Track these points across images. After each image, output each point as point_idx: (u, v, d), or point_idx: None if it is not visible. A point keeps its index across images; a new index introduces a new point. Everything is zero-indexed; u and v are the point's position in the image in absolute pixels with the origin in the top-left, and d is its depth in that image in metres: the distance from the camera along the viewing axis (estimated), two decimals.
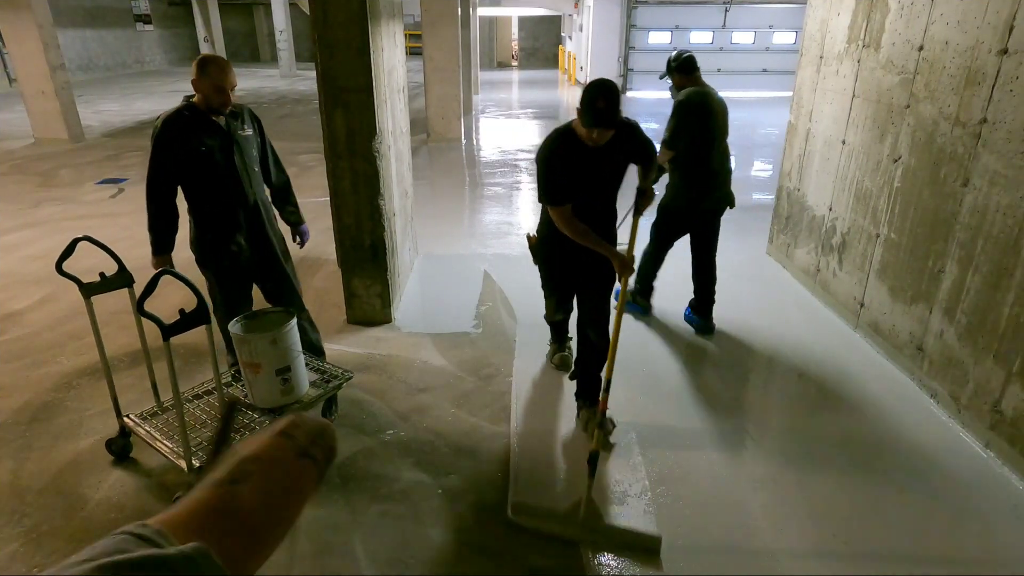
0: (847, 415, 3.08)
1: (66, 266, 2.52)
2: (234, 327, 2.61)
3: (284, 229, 3.13)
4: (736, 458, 2.79)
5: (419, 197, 5.93)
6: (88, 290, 2.44)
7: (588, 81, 2.50)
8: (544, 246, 2.91)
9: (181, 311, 2.23)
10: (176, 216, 2.82)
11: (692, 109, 3.53)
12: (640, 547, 2.26)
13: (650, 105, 14.36)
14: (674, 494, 2.55)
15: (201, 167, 2.72)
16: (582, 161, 2.58)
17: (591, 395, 2.94)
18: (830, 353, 3.64)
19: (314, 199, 6.75)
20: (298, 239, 3.21)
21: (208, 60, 2.68)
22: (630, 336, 3.83)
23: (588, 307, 2.89)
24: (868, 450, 2.83)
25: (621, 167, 2.70)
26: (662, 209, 3.76)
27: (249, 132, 2.85)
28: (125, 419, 2.69)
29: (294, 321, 2.66)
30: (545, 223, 2.82)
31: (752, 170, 8.53)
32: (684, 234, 3.81)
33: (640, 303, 4.06)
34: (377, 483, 2.60)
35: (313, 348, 3.16)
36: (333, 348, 3.66)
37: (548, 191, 2.64)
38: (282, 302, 2.99)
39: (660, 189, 3.63)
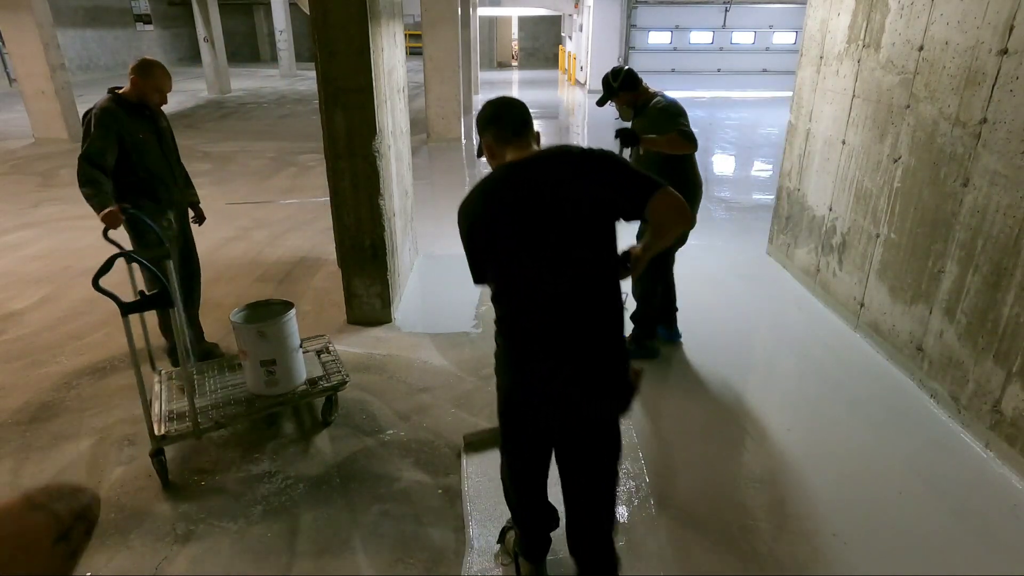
0: (847, 415, 3.08)
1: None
2: (236, 315, 2.76)
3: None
4: (736, 458, 2.79)
5: (419, 197, 5.94)
6: (127, 309, 2.27)
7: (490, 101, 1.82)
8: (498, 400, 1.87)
9: (141, 292, 2.40)
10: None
11: (683, 112, 3.17)
12: None
13: None
14: (674, 493, 2.55)
15: (138, 152, 3.03)
16: (513, 203, 1.66)
17: None
18: (830, 353, 3.64)
19: (314, 199, 6.76)
20: (195, 219, 3.41)
21: (152, 64, 3.06)
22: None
23: (586, 479, 1.82)
24: (868, 450, 2.83)
25: (589, 203, 1.61)
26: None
27: (165, 125, 3.23)
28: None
29: (289, 316, 2.75)
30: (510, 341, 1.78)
31: (752, 170, 8.53)
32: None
33: (649, 346, 3.56)
34: (377, 483, 2.60)
35: (198, 323, 3.45)
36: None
37: (470, 265, 1.85)
38: (192, 284, 3.37)
39: None
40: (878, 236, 3.62)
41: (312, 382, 2.91)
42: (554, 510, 2.07)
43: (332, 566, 2.21)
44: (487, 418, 3.02)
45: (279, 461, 2.73)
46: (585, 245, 1.63)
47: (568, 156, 1.67)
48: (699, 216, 3.41)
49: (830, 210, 4.16)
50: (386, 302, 3.91)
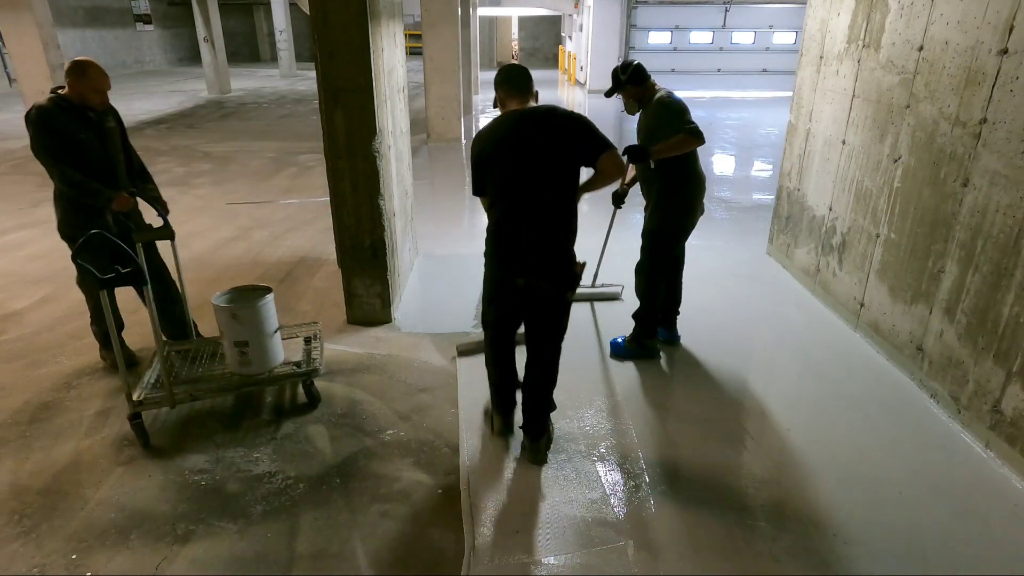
0: (847, 415, 3.08)
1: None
2: (218, 297, 2.94)
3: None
4: (736, 458, 2.79)
5: (419, 197, 5.94)
6: (101, 284, 2.56)
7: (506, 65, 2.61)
8: (488, 281, 2.61)
9: (116, 268, 2.57)
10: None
11: (687, 108, 3.18)
12: None
13: None
14: (674, 494, 2.55)
15: (79, 154, 2.99)
16: (510, 139, 2.39)
17: (538, 431, 2.71)
18: (830, 353, 3.64)
19: (314, 199, 6.76)
20: (160, 212, 3.29)
21: (88, 65, 2.98)
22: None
23: (535, 344, 2.62)
24: (868, 450, 2.83)
25: (560, 148, 2.36)
26: (655, 235, 3.36)
27: (112, 125, 3.16)
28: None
29: (266, 301, 2.92)
30: (489, 264, 2.57)
31: (752, 170, 8.53)
32: (677, 253, 3.56)
33: (649, 346, 3.55)
34: (377, 483, 2.60)
35: (176, 319, 3.39)
36: (333, 348, 3.66)
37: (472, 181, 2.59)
38: (163, 276, 3.33)
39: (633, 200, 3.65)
40: (878, 236, 3.62)
41: (287, 366, 3.04)
42: (517, 376, 2.82)
43: (332, 566, 2.21)
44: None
45: (279, 461, 2.73)
46: (555, 176, 2.41)
47: (553, 113, 2.42)
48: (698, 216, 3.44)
49: (830, 210, 4.16)
50: (386, 302, 3.91)
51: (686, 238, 3.52)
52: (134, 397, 2.78)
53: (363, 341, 3.75)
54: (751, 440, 2.91)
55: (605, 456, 2.77)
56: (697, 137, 3.10)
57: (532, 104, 2.50)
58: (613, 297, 4.29)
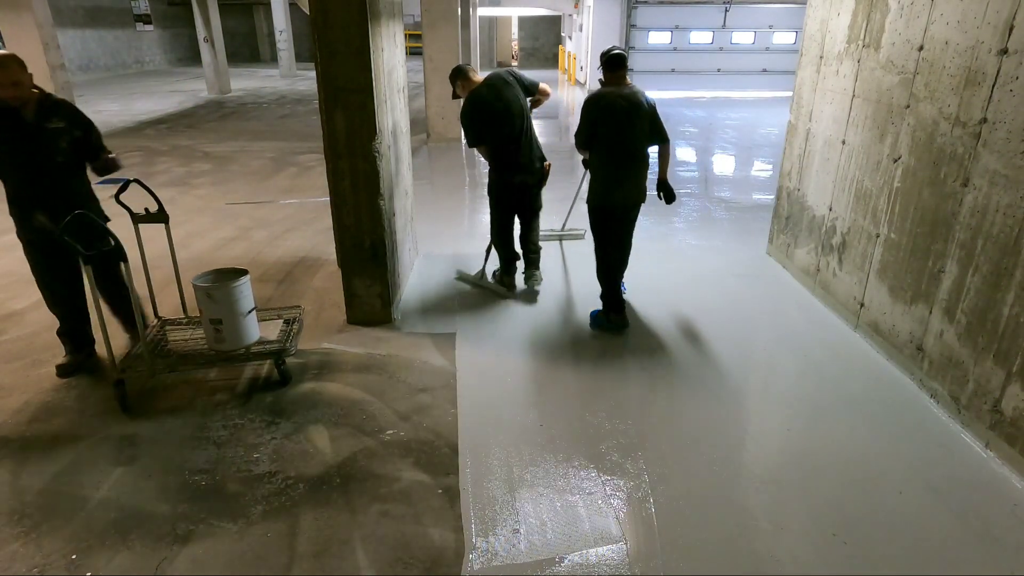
0: (847, 415, 3.08)
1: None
2: (197, 278, 3.15)
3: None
4: (736, 458, 2.79)
5: (419, 197, 5.94)
6: (87, 259, 2.83)
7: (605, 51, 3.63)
8: (492, 185, 4.27)
9: (96, 246, 2.78)
10: None
11: (585, 110, 3.67)
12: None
13: None
14: (674, 494, 2.55)
15: None
16: (498, 105, 3.99)
17: (533, 264, 4.43)
18: (830, 353, 3.64)
19: (314, 199, 6.76)
20: (105, 169, 3.25)
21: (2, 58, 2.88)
22: (629, 336, 3.83)
23: (523, 219, 4.38)
24: (868, 450, 2.83)
25: (521, 101, 4.11)
26: (589, 208, 3.82)
27: (60, 124, 3.04)
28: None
29: (241, 283, 3.11)
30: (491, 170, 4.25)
31: (752, 170, 8.53)
32: (611, 229, 3.81)
33: (614, 320, 3.85)
34: (377, 483, 2.60)
35: (127, 305, 3.31)
36: (333, 348, 3.66)
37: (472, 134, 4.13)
38: (107, 283, 3.29)
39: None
40: (878, 236, 3.62)
41: (260, 345, 3.25)
42: (515, 248, 4.47)
43: (332, 566, 2.21)
44: (491, 415, 3.02)
45: (279, 461, 2.73)
46: (522, 124, 4.11)
47: (512, 77, 4.19)
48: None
49: (830, 210, 4.16)
50: (386, 302, 3.91)
51: (616, 214, 3.79)
52: (118, 366, 3.01)
53: (363, 341, 3.75)
54: (751, 440, 2.91)
55: (605, 456, 2.77)
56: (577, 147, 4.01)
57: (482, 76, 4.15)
58: (577, 237, 5.44)
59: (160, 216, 3.32)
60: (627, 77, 3.70)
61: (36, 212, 3.07)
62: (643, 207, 3.83)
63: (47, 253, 3.19)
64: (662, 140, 3.77)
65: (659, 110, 3.74)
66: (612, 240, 3.81)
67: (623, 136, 3.64)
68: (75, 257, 2.95)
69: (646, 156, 3.76)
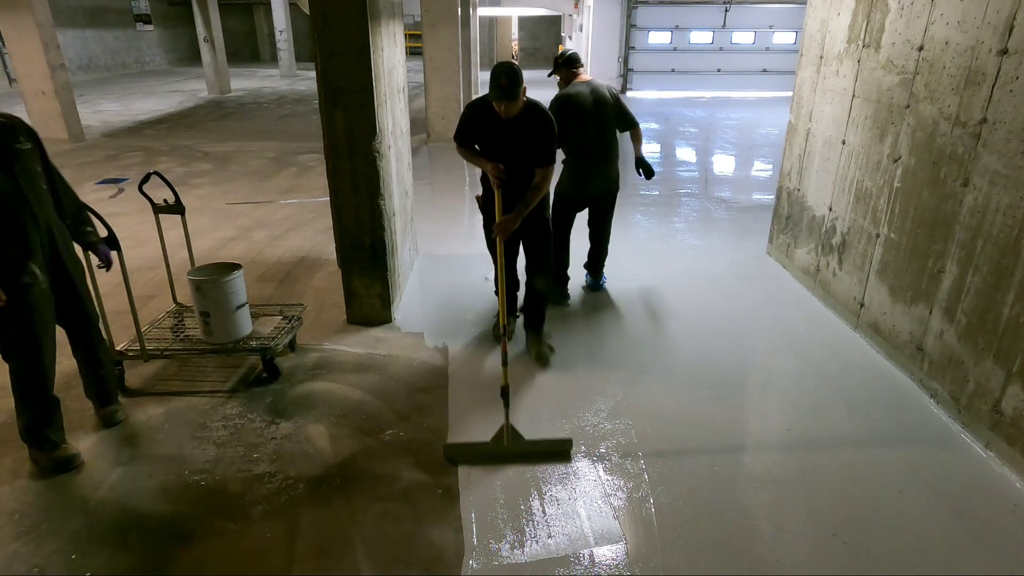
0: (847, 415, 3.08)
1: None
2: (192, 271, 3.23)
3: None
4: (736, 458, 2.79)
5: (419, 197, 5.94)
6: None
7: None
8: (485, 201, 3.46)
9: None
10: None
11: (556, 109, 3.76)
12: (555, 452, 2.76)
13: (651, 105, 14.36)
14: (674, 494, 2.55)
15: None
16: (491, 123, 3.18)
17: (536, 325, 3.59)
18: (830, 353, 3.64)
19: (314, 199, 6.76)
20: (101, 263, 2.82)
21: None
22: (629, 336, 3.83)
23: (527, 254, 3.50)
24: (868, 450, 2.83)
25: (524, 145, 3.16)
26: (555, 195, 3.95)
27: (28, 146, 2.45)
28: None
29: (230, 278, 3.17)
30: (483, 188, 3.49)
31: (752, 170, 8.53)
32: (573, 216, 4.08)
33: (557, 291, 4.16)
34: (377, 483, 2.60)
35: (104, 384, 2.95)
36: (333, 348, 3.66)
37: (458, 131, 3.35)
38: (81, 340, 2.81)
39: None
40: (878, 236, 3.62)
41: (250, 340, 3.31)
42: (518, 280, 3.74)
43: (332, 566, 2.21)
44: (483, 418, 3.03)
45: (279, 461, 2.73)
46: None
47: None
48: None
49: (830, 210, 4.16)
50: (386, 302, 3.91)
51: (580, 205, 4.08)
52: (116, 347, 3.15)
53: (363, 341, 3.75)
54: (751, 440, 2.91)
55: (605, 456, 2.77)
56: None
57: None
58: None
59: (177, 208, 3.44)
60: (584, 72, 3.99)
61: (31, 262, 2.46)
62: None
63: (34, 317, 2.52)
64: (632, 125, 4.00)
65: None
66: (570, 225, 4.10)
67: (595, 129, 3.85)
68: (50, 319, 2.58)
69: (617, 145, 3.99)
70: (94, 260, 2.86)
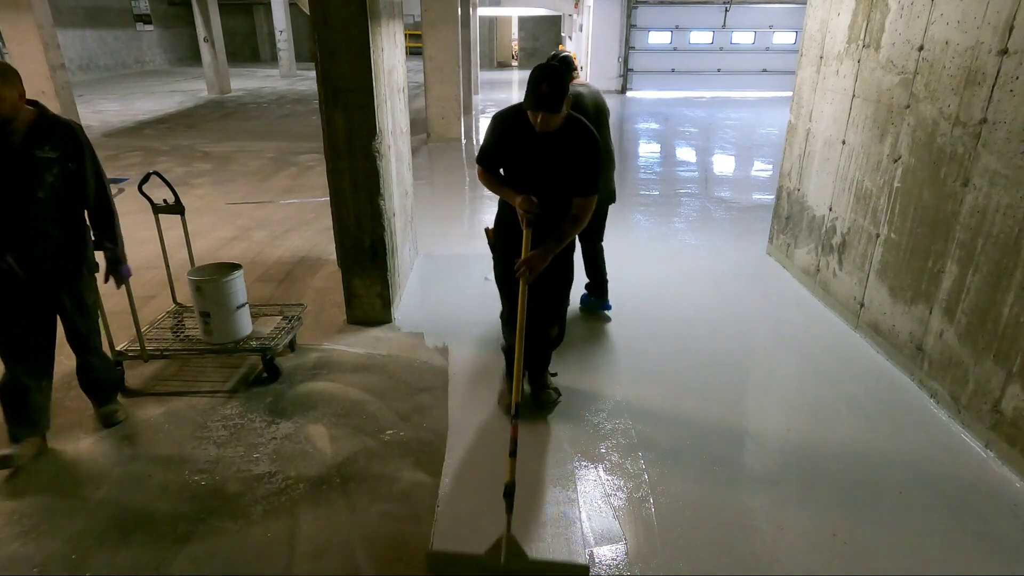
0: (847, 415, 3.08)
1: None
2: (192, 272, 3.25)
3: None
4: (736, 458, 2.79)
5: (419, 197, 5.94)
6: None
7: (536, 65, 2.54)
8: (497, 234, 2.88)
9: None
10: None
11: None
12: None
13: (650, 105, 14.37)
14: (674, 494, 2.55)
15: None
16: (524, 139, 2.60)
17: (539, 370, 3.13)
18: (830, 353, 3.64)
19: (314, 199, 6.76)
20: (112, 279, 2.78)
21: None
22: (629, 336, 3.83)
23: (545, 301, 2.87)
24: (868, 450, 2.83)
25: (560, 167, 2.61)
26: None
27: (52, 155, 2.47)
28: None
29: (231, 278, 3.18)
30: (499, 212, 2.90)
31: (752, 170, 8.53)
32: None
33: (600, 304, 4.09)
34: (377, 483, 2.60)
35: (101, 384, 2.96)
36: (333, 348, 3.66)
37: (482, 152, 2.78)
38: (75, 342, 2.81)
39: None
40: (878, 236, 3.62)
41: (250, 340, 3.31)
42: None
43: (332, 566, 2.21)
44: (483, 418, 3.02)
45: (279, 461, 2.73)
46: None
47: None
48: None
49: (830, 210, 4.16)
50: (386, 302, 3.91)
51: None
52: (116, 347, 3.17)
53: (363, 341, 3.75)
54: (751, 440, 2.91)
55: (605, 456, 2.77)
56: None
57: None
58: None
59: (177, 208, 3.44)
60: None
61: (7, 255, 2.49)
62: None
63: (10, 307, 2.58)
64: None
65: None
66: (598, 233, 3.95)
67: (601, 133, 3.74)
68: (27, 312, 2.61)
69: (613, 152, 3.89)
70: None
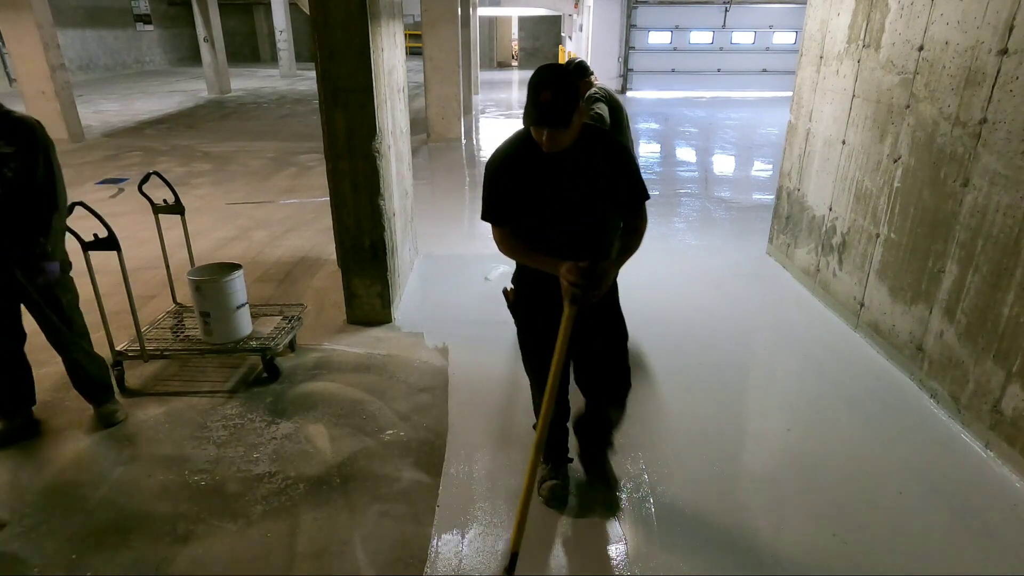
0: (847, 415, 3.08)
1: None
2: (192, 271, 3.28)
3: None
4: (736, 458, 2.79)
5: (419, 197, 5.94)
6: (86, 246, 2.90)
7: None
8: (519, 301, 2.30)
9: (95, 235, 2.79)
10: None
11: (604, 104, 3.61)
12: None
13: (650, 105, 14.37)
14: (674, 494, 2.55)
15: None
16: (534, 174, 2.03)
17: (616, 399, 2.52)
18: (830, 353, 3.64)
19: (314, 199, 6.76)
20: (35, 276, 2.68)
21: None
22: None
23: (594, 363, 2.40)
24: (868, 450, 2.83)
25: (596, 187, 2.05)
26: None
27: (7, 151, 2.48)
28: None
29: (230, 278, 3.18)
30: (517, 272, 2.31)
31: (752, 170, 8.53)
32: None
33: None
34: (377, 483, 2.60)
35: (92, 383, 2.96)
36: (333, 348, 3.66)
37: (485, 205, 2.14)
38: (51, 337, 2.83)
39: None
40: (878, 236, 3.62)
41: (250, 340, 3.31)
42: (568, 405, 2.50)
43: (332, 566, 2.21)
44: (483, 419, 3.02)
45: (279, 461, 2.73)
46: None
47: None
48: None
49: (830, 210, 4.16)
50: (386, 302, 3.91)
51: None
52: (116, 347, 3.16)
53: (363, 341, 3.75)
54: (751, 440, 2.91)
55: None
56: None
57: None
58: None
59: (177, 208, 3.47)
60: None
61: None
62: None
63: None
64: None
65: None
66: None
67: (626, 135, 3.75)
68: (7, 296, 2.68)
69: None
70: (95, 260, 2.87)
